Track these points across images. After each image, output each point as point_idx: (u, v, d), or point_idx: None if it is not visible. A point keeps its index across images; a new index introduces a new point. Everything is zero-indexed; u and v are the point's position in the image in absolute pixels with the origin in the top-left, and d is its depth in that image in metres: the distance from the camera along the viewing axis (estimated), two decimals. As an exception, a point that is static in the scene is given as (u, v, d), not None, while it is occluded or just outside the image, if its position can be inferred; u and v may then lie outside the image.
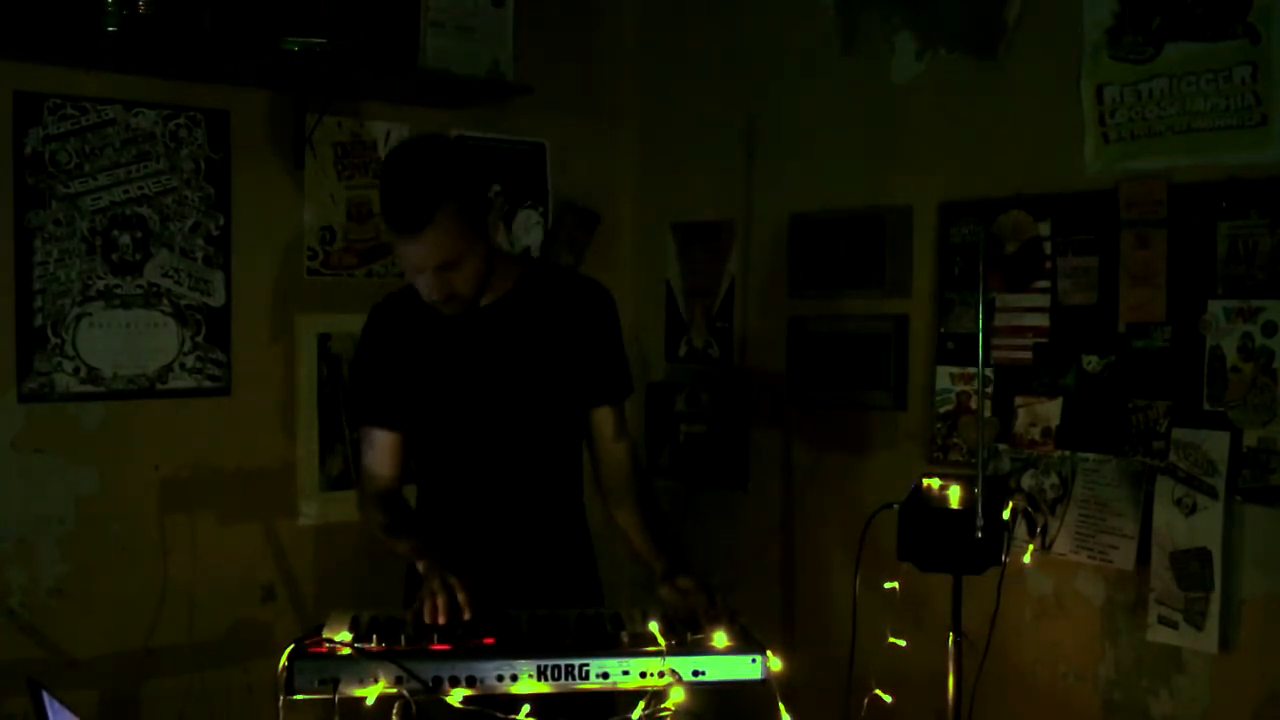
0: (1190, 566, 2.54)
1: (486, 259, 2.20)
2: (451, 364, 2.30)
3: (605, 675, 1.80)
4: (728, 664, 1.84)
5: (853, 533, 2.39)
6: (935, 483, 2.40)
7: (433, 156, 2.15)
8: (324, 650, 1.80)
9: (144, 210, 3.06)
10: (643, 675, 1.80)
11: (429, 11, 3.20)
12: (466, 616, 1.94)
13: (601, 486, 2.40)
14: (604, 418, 2.36)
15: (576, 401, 2.34)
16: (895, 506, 2.35)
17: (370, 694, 1.75)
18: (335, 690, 1.74)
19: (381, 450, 2.34)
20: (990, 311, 2.88)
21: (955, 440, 3.00)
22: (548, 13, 3.62)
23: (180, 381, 3.13)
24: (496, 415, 2.30)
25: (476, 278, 2.19)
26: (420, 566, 2.07)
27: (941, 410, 3.03)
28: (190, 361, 3.15)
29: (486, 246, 2.20)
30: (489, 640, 1.86)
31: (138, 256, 3.06)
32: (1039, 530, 2.81)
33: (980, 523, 2.22)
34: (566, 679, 1.79)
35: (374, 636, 1.84)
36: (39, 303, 2.93)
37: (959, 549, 2.27)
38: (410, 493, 2.42)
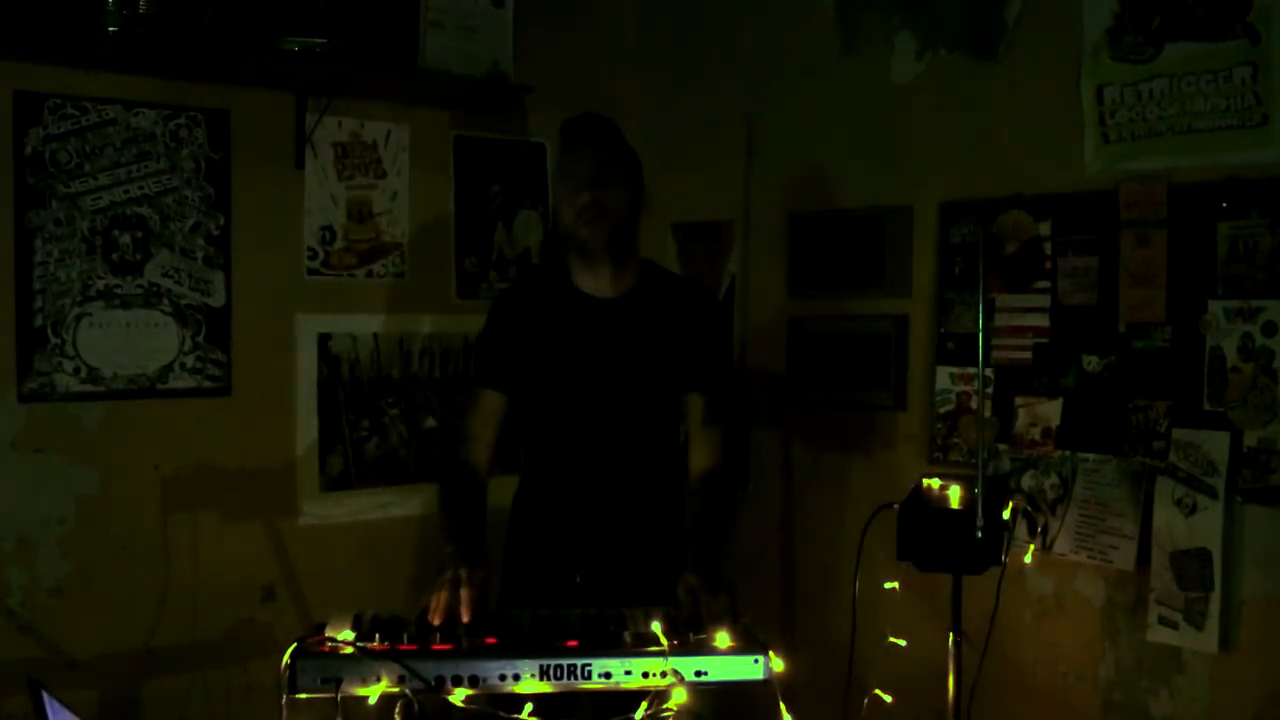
0: (1190, 566, 2.55)
1: (632, 206, 2.44)
2: (575, 345, 2.47)
3: (608, 675, 1.80)
4: (730, 664, 1.84)
5: (853, 533, 2.40)
6: (935, 483, 2.40)
7: (609, 119, 2.50)
8: (327, 649, 1.80)
9: (144, 210, 3.06)
10: (645, 675, 1.80)
11: (429, 11, 3.20)
12: (465, 619, 1.95)
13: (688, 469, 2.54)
14: (696, 403, 2.50)
15: (676, 387, 2.51)
16: (895, 506, 2.35)
17: (373, 693, 1.75)
18: (338, 689, 1.74)
19: (485, 413, 2.48)
20: (990, 311, 2.89)
21: (955, 440, 3.00)
22: (548, 13, 3.62)
23: (180, 381, 3.13)
24: (609, 396, 2.46)
25: (622, 204, 2.41)
26: (447, 550, 2.11)
27: (941, 410, 3.03)
28: (190, 361, 3.15)
29: (634, 201, 2.45)
30: (491, 640, 1.86)
31: (138, 256, 3.06)
32: (1039, 530, 2.82)
33: (980, 523, 2.22)
34: (569, 679, 1.79)
35: (376, 635, 1.84)
36: (39, 303, 2.93)
37: (959, 549, 2.27)
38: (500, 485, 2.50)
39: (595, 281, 2.47)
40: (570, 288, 2.49)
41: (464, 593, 1.97)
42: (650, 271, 2.57)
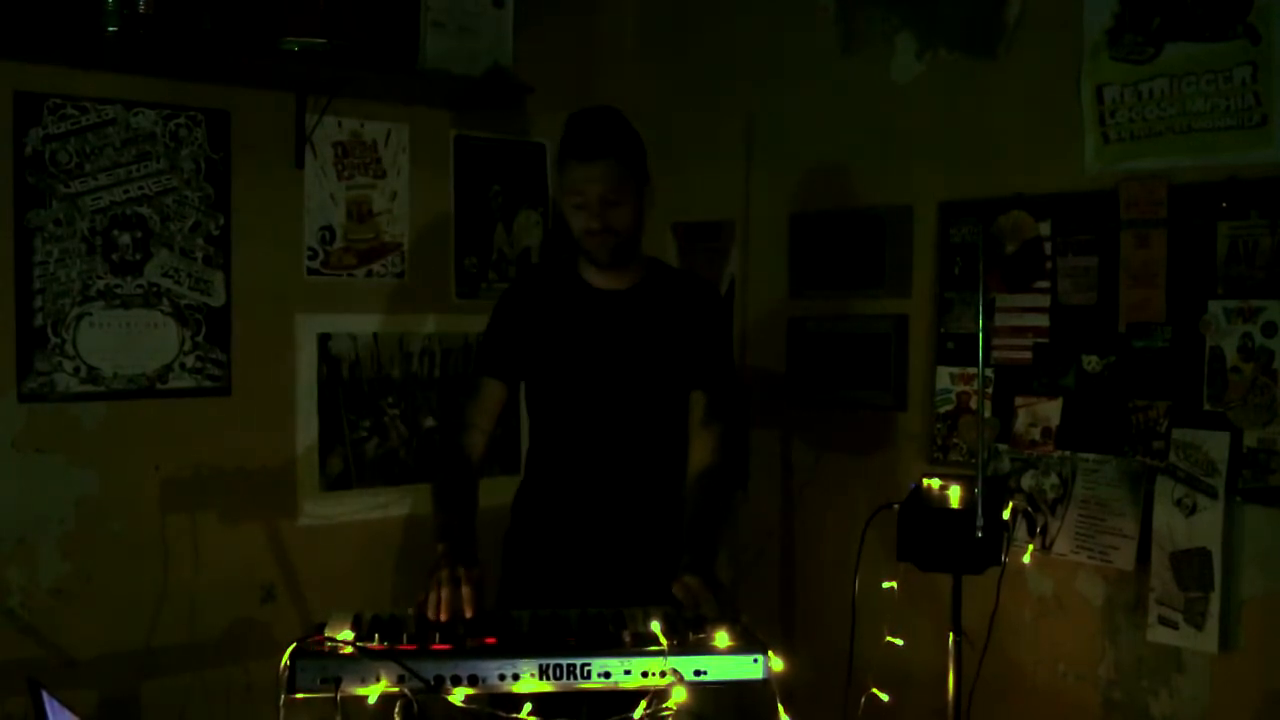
0: (1190, 566, 2.55)
1: (637, 220, 2.44)
2: (581, 335, 2.49)
3: (607, 675, 1.80)
4: (729, 664, 1.83)
5: (853, 533, 2.40)
6: (935, 483, 2.41)
7: (615, 115, 2.47)
8: (326, 649, 1.79)
9: (144, 210, 3.06)
10: (644, 675, 1.80)
11: (429, 11, 3.20)
12: (469, 615, 1.95)
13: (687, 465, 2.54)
14: (697, 400, 2.50)
15: (679, 382, 2.51)
16: (895, 506, 2.35)
17: (372, 693, 1.75)
18: (337, 689, 1.74)
19: (484, 399, 2.51)
20: (990, 311, 2.89)
21: (955, 440, 3.00)
22: (548, 13, 3.62)
23: (180, 381, 3.13)
24: (613, 388, 2.48)
25: (628, 225, 2.41)
26: (439, 549, 2.10)
27: (941, 410, 3.03)
28: (190, 361, 3.15)
29: (640, 210, 2.44)
30: (490, 639, 1.86)
31: (138, 256, 3.06)
32: (1039, 530, 2.82)
33: (980, 523, 2.23)
34: (568, 678, 1.79)
35: (376, 635, 1.83)
36: (39, 302, 2.93)
37: (959, 549, 2.27)
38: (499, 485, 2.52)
39: (601, 276, 2.49)
40: (577, 280, 2.52)
41: (466, 591, 1.97)
42: (655, 266, 2.59)
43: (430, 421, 3.54)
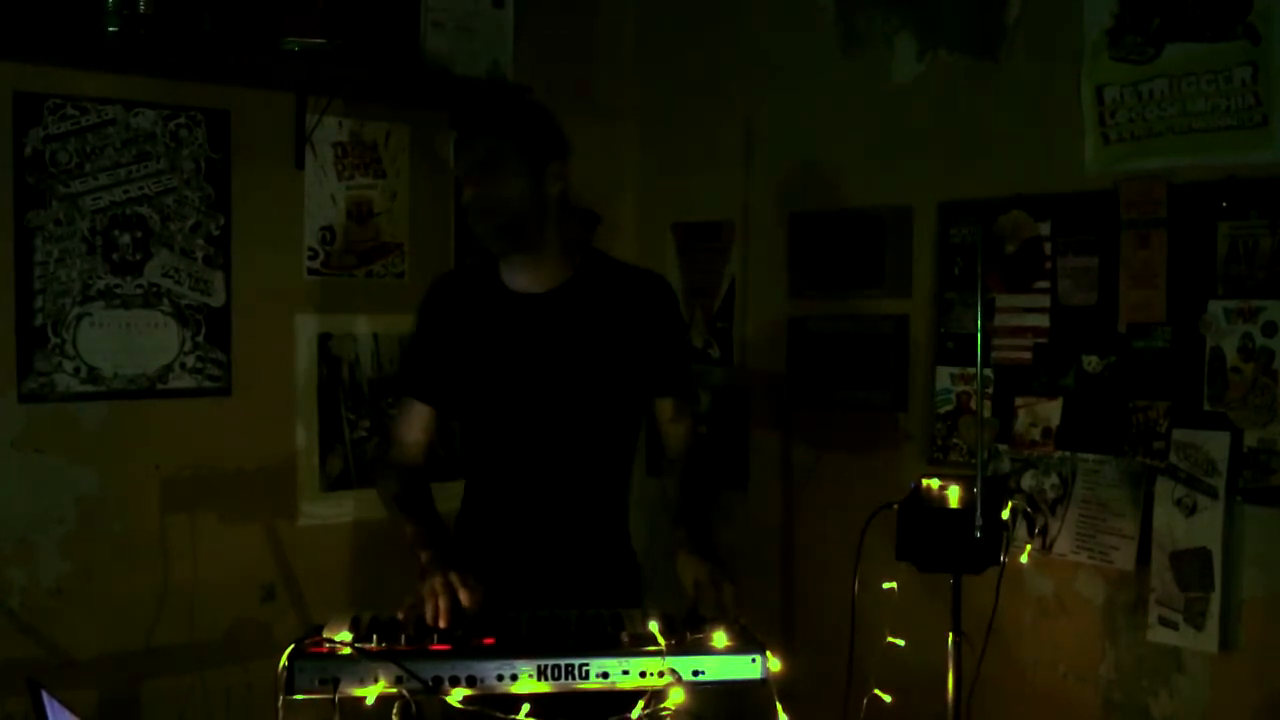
0: (1190, 567, 2.54)
1: (531, 199, 2.23)
2: (507, 347, 2.31)
3: (605, 675, 1.80)
4: (727, 664, 1.84)
5: (852, 533, 2.39)
6: (935, 483, 2.40)
7: (515, 103, 2.37)
8: (324, 650, 1.80)
9: (144, 210, 3.06)
10: (642, 675, 1.80)
11: (429, 11, 3.20)
12: (474, 611, 1.94)
13: (661, 460, 2.44)
14: (664, 405, 2.39)
15: (635, 392, 2.36)
16: (895, 506, 2.35)
17: (370, 694, 1.75)
18: (335, 690, 1.74)
19: (413, 417, 2.38)
20: (990, 311, 2.88)
21: (955, 440, 3.00)
22: (548, 13, 3.62)
23: (180, 381, 3.13)
24: (548, 401, 2.30)
25: (518, 206, 2.23)
26: (423, 557, 2.08)
27: (941, 410, 3.03)
28: (190, 361, 3.15)
29: (535, 189, 2.24)
30: (489, 640, 1.86)
31: (138, 256, 3.06)
32: (1039, 530, 2.82)
33: (980, 523, 2.22)
34: (566, 679, 1.79)
35: (374, 636, 1.83)
36: (39, 302, 2.93)
37: (958, 549, 2.26)
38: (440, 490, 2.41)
39: (521, 276, 2.31)
40: (497, 284, 2.33)
41: (464, 594, 1.97)
42: (593, 262, 2.36)
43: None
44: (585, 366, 2.30)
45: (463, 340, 2.33)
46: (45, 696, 1.52)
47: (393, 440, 2.41)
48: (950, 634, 2.32)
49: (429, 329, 2.39)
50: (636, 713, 1.75)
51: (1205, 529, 2.52)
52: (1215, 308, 2.53)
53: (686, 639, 1.87)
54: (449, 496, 2.42)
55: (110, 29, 2.74)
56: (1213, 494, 2.51)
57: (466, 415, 2.40)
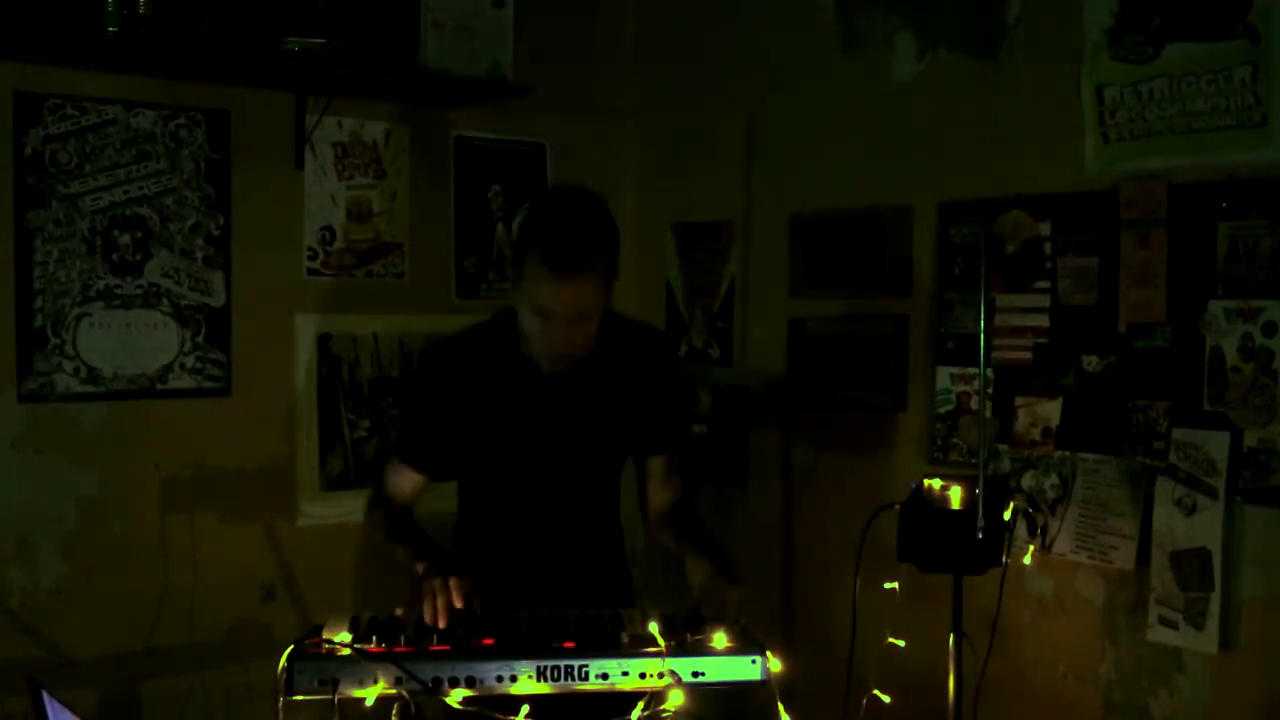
0: (1190, 567, 2.54)
1: (598, 323, 2.18)
2: (523, 416, 2.30)
3: (605, 676, 1.80)
4: (727, 665, 1.84)
5: (853, 533, 2.39)
6: (936, 483, 2.40)
7: (597, 210, 2.15)
8: (324, 650, 1.80)
9: (144, 210, 3.06)
10: (642, 676, 1.80)
11: (429, 11, 3.20)
12: (478, 613, 1.94)
13: (643, 512, 2.45)
14: (657, 463, 2.40)
15: (631, 451, 2.40)
16: (896, 506, 2.35)
17: (370, 694, 1.75)
18: (335, 691, 1.74)
19: (408, 484, 2.37)
20: (990, 311, 2.88)
21: (955, 440, 3.00)
22: (548, 13, 3.62)
23: (180, 381, 3.13)
24: (556, 462, 2.33)
25: (591, 340, 2.18)
26: (419, 568, 2.07)
27: (941, 410, 3.03)
28: (190, 361, 3.15)
29: (605, 310, 2.19)
30: (489, 641, 1.86)
31: (138, 256, 3.06)
32: (1039, 530, 2.81)
33: (981, 523, 2.22)
34: (566, 680, 1.79)
35: (373, 637, 1.84)
36: (39, 303, 2.93)
37: (959, 549, 2.26)
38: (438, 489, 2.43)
39: None
40: (516, 354, 2.24)
41: (464, 597, 1.97)
42: (604, 326, 2.24)
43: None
44: (593, 432, 2.34)
45: (477, 412, 2.28)
46: (45, 696, 1.52)
47: (385, 490, 2.39)
48: (951, 634, 2.31)
49: (436, 402, 2.32)
50: (636, 714, 1.75)
51: (1205, 529, 2.52)
52: (1215, 308, 2.53)
53: (686, 640, 1.87)
54: (444, 496, 2.44)
55: (110, 29, 2.74)
56: (1212, 494, 2.51)
57: (469, 476, 2.42)
